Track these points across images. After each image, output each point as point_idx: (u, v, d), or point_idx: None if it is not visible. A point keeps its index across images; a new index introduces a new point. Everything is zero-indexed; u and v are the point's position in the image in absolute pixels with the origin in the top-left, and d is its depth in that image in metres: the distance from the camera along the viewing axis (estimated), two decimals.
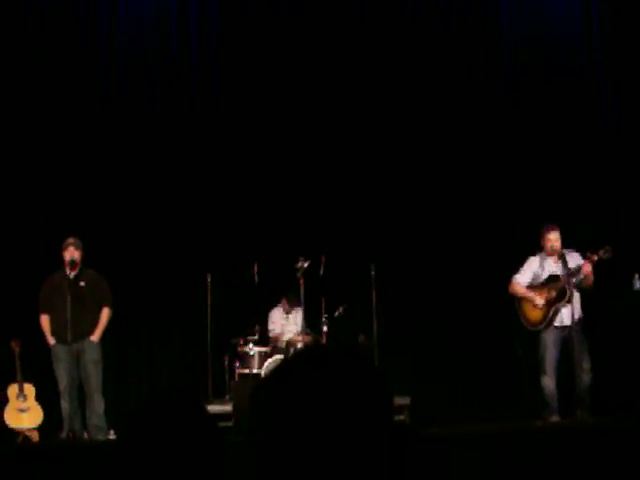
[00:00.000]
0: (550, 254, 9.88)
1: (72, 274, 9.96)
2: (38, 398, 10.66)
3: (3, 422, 11.03)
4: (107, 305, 10.11)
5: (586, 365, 9.56)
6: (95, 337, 9.93)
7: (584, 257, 9.70)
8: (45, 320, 9.98)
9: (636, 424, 6.85)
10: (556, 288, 9.72)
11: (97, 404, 9.93)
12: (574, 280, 9.65)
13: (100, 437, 9.80)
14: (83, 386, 10.00)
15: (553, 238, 9.86)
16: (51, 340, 9.89)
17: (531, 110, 12.56)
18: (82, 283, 9.92)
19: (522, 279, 10.01)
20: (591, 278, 9.69)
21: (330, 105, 12.69)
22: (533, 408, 10.40)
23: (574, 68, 12.69)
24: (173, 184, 12.43)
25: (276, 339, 12.04)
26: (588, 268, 9.61)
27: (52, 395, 10.23)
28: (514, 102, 12.66)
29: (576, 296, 9.72)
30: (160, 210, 12.34)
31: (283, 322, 12.22)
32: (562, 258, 9.72)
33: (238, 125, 12.66)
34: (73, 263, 9.93)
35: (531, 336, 10.01)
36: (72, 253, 9.94)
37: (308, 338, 11.50)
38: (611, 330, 11.28)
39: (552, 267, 9.87)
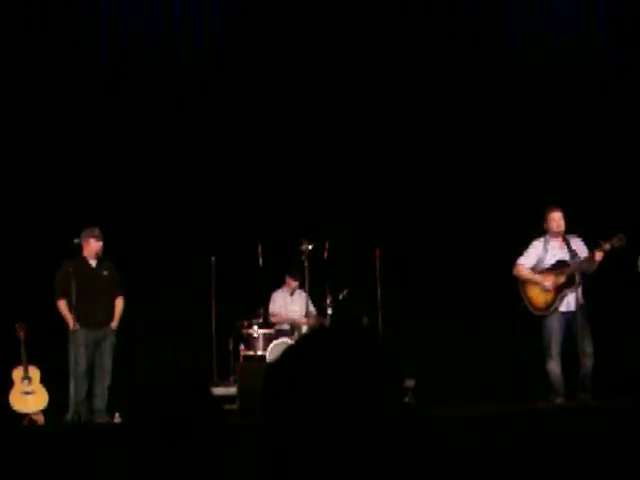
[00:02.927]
0: (555, 236, 9.83)
1: (95, 263, 10.23)
2: (43, 381, 10.70)
3: (8, 405, 11.08)
4: (123, 294, 10.40)
5: (589, 349, 9.54)
6: (115, 324, 10.25)
7: (595, 245, 9.63)
8: (64, 304, 10.08)
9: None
10: (565, 274, 9.67)
11: (106, 387, 10.12)
12: (583, 266, 9.61)
13: (102, 419, 9.95)
14: (94, 370, 10.10)
15: (557, 217, 9.81)
16: (74, 325, 9.97)
17: (536, 95, 12.53)
18: (105, 272, 10.22)
19: (526, 262, 9.96)
20: (597, 265, 9.65)
21: (334, 89, 12.67)
22: (536, 390, 10.44)
23: (578, 54, 12.68)
24: (178, 168, 12.44)
25: (276, 320, 12.05)
26: (600, 256, 9.54)
27: (57, 378, 10.28)
28: (519, 85, 12.62)
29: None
30: (165, 193, 12.35)
31: (286, 302, 12.21)
32: (566, 242, 9.69)
33: (243, 108, 12.66)
34: (99, 253, 10.25)
35: (531, 320, 10.01)
36: (100, 243, 10.23)
37: (313, 320, 11.51)
38: (614, 313, 11.30)
39: (557, 251, 9.83)
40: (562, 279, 9.69)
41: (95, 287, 9.95)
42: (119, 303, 10.31)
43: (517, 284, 10.05)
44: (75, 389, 9.98)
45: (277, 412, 1.69)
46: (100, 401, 10.08)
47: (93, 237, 10.17)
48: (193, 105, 12.70)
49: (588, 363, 9.50)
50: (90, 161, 12.19)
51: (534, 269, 9.91)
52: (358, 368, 1.68)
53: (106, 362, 10.09)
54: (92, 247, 10.18)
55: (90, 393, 10.14)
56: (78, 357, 9.94)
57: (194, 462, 2.11)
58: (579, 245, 9.79)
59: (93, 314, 9.92)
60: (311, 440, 1.64)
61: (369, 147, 12.62)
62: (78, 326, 9.95)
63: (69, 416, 10.01)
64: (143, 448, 2.12)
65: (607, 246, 9.48)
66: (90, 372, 10.11)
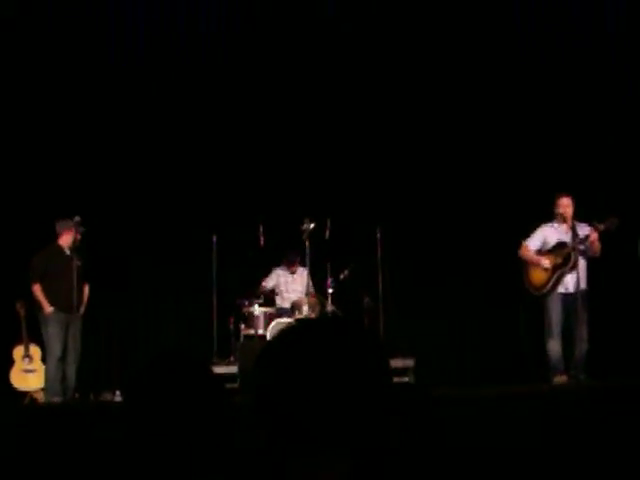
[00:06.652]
0: (562, 222, 9.89)
1: (69, 251, 10.48)
2: (44, 359, 10.72)
3: (9, 383, 11.12)
4: (88, 282, 10.66)
5: (584, 334, 9.60)
6: (83, 310, 10.51)
7: (591, 226, 9.69)
8: (39, 288, 10.29)
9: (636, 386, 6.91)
10: (562, 254, 9.76)
11: (75, 370, 10.33)
12: (581, 247, 9.67)
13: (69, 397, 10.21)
14: (66, 353, 10.30)
15: (565, 204, 9.89)
16: (49, 308, 10.18)
17: (545, 85, 12.51)
18: (77, 261, 10.37)
19: (532, 244, 10.04)
20: (597, 245, 9.70)
21: (337, 69, 12.65)
22: (535, 371, 10.48)
23: (589, 41, 12.66)
24: (180, 146, 12.44)
25: (268, 292, 12.07)
26: (595, 236, 9.63)
27: None
28: (527, 69, 12.58)
29: (582, 265, 9.74)
30: (166, 171, 12.36)
31: (288, 281, 12.21)
32: (573, 228, 9.74)
33: (244, 88, 12.63)
34: (76, 242, 10.46)
35: (534, 301, 10.04)
36: (77, 234, 10.41)
37: (313, 300, 11.50)
38: (616, 296, 11.34)
39: (561, 235, 9.89)
40: (559, 259, 9.78)
41: (68, 274, 10.16)
42: (86, 290, 10.61)
43: (521, 265, 10.10)
44: (52, 370, 10.21)
45: (269, 391, 1.70)
46: (71, 382, 10.29)
47: (75, 227, 10.39)
48: (195, 86, 12.66)
49: (583, 347, 9.58)
50: (94, 141, 12.25)
51: (539, 252, 9.99)
52: (344, 352, 1.68)
53: (76, 345, 10.34)
54: (71, 237, 10.44)
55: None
56: (53, 338, 10.21)
57: (195, 440, 2.11)
58: (586, 231, 9.82)
59: (66, 299, 10.15)
60: (297, 419, 1.65)
61: (371, 125, 12.61)
62: (52, 309, 10.18)
63: (47, 396, 10.15)
64: (144, 426, 2.12)
65: (601, 227, 9.59)
66: (63, 354, 10.27)
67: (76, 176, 11.99)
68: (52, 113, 12.22)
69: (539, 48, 12.63)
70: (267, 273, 12.22)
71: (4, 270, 11.35)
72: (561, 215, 9.86)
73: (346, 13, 12.79)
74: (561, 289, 9.80)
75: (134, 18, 12.76)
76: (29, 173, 12.01)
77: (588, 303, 9.70)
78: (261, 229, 11.63)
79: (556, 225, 10.01)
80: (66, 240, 10.42)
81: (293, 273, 12.21)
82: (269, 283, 12.19)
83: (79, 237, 10.39)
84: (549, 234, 10.01)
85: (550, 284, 9.79)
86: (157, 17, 12.79)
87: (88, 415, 6.75)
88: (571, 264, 9.66)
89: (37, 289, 10.25)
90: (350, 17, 12.77)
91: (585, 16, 12.71)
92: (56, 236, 10.50)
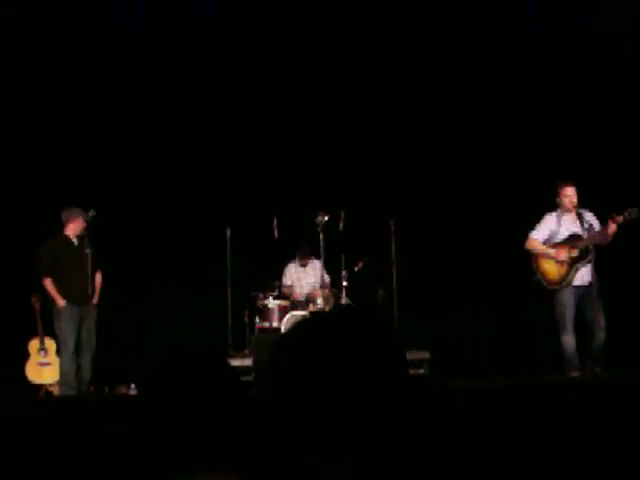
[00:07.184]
0: (567, 210, 9.82)
1: (76, 241, 10.38)
2: (59, 353, 10.75)
3: (25, 376, 11.15)
4: (100, 270, 10.53)
5: (602, 323, 9.54)
6: (97, 299, 10.39)
7: (608, 218, 9.61)
8: (50, 282, 10.20)
9: None
10: (578, 247, 9.67)
11: (90, 360, 10.28)
12: (597, 240, 9.60)
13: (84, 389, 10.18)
14: (80, 344, 10.24)
15: (570, 193, 9.80)
16: (62, 301, 10.10)
17: (549, 74, 12.50)
18: (87, 250, 10.26)
19: (538, 236, 9.95)
20: (610, 238, 9.63)
21: (350, 61, 12.66)
22: (549, 364, 10.46)
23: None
24: (193, 140, 12.45)
25: (289, 292, 12.05)
26: (613, 229, 9.54)
27: None
28: (534, 57, 12.58)
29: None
30: (181, 164, 12.37)
31: (300, 275, 12.22)
32: (579, 216, 9.68)
33: (259, 79, 12.64)
34: (83, 232, 10.37)
35: (545, 294, 9.98)
36: (84, 223, 10.35)
37: (327, 292, 11.50)
38: (628, 286, 11.33)
39: (570, 225, 9.81)
40: (575, 252, 9.69)
41: (79, 264, 10.11)
42: (99, 278, 10.47)
43: (530, 258, 10.03)
44: (67, 364, 10.14)
45: (284, 383, 1.69)
46: (86, 373, 10.24)
47: (82, 216, 10.33)
48: (206, 82, 12.67)
49: (601, 336, 9.50)
50: (107, 137, 12.25)
51: (546, 243, 9.91)
52: (359, 344, 1.68)
53: (91, 336, 10.26)
54: (78, 226, 10.36)
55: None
56: (67, 332, 10.13)
57: (212, 432, 2.11)
58: (592, 219, 9.77)
59: (78, 290, 10.09)
60: (312, 411, 1.64)
61: (384, 119, 12.60)
62: (65, 302, 10.09)
63: (62, 390, 10.15)
64: (159, 419, 2.12)
65: (620, 219, 9.47)
66: (77, 346, 10.22)
67: (90, 172, 12.00)
68: (61, 108, 12.21)
69: (545, 36, 12.63)
70: (281, 270, 12.25)
71: (20, 264, 11.36)
72: (569, 204, 9.79)
73: (346, 13, 12.80)
74: (576, 282, 9.73)
75: (134, 17, 12.77)
76: (46, 168, 12.02)
77: (601, 290, 9.66)
78: (275, 222, 11.63)
79: (560, 214, 9.94)
80: (73, 229, 10.34)
81: (304, 266, 12.22)
82: (286, 282, 12.19)
83: (86, 225, 10.30)
84: (556, 225, 9.91)
85: (568, 278, 9.70)
86: (158, 17, 12.79)
87: (103, 408, 6.76)
88: (589, 258, 9.61)
89: (48, 283, 10.17)
90: (350, 17, 12.78)
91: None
92: (62, 226, 10.42)
